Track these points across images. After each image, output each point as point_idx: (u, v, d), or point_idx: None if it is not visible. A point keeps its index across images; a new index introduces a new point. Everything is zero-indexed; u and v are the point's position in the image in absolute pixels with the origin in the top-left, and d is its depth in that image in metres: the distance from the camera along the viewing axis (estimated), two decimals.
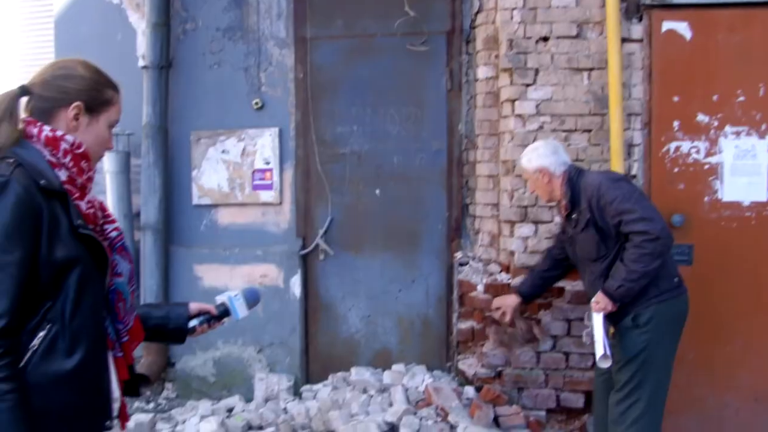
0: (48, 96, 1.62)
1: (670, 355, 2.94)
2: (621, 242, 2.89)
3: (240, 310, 2.00)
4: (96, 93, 1.66)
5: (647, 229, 2.73)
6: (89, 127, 1.66)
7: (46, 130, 1.60)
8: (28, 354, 1.49)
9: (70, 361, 1.51)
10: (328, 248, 4.38)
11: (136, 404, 4.39)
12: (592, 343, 2.99)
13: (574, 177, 3.04)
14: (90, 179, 1.67)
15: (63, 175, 1.58)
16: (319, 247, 4.39)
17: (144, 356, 4.41)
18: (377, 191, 4.36)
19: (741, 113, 3.64)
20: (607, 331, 2.95)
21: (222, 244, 4.47)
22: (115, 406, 1.68)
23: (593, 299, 2.95)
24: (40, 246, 1.49)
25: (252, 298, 2.05)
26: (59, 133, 1.60)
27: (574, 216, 3.04)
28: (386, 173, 4.34)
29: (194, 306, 1.97)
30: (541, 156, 3.09)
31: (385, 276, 4.37)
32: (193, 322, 1.94)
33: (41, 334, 1.50)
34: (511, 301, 3.48)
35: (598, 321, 2.94)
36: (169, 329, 1.92)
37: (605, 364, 2.94)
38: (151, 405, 4.46)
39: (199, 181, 4.48)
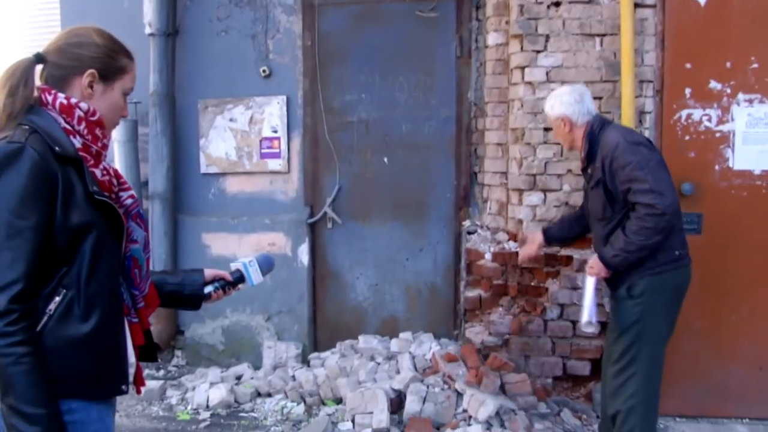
0: (63, 64, 1.63)
1: (664, 328, 2.88)
2: (627, 208, 2.82)
3: (254, 276, 2.02)
4: (110, 60, 1.67)
5: (654, 203, 2.63)
6: (104, 94, 1.66)
7: (61, 97, 1.60)
8: (45, 318, 1.51)
9: (85, 325, 1.54)
10: (336, 217, 4.40)
11: (147, 371, 4.46)
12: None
13: (596, 130, 2.94)
14: (105, 147, 1.68)
15: (78, 142, 1.59)
16: (326, 216, 4.42)
17: (154, 324, 4.45)
18: (385, 159, 4.36)
19: (754, 80, 3.60)
20: (596, 297, 2.95)
21: (230, 212, 4.50)
22: (131, 370, 1.70)
23: (588, 263, 2.95)
24: (56, 211, 1.50)
25: (266, 264, 2.06)
26: (74, 100, 1.61)
27: (589, 170, 2.99)
28: (394, 141, 4.34)
29: (209, 272, 1.98)
30: (564, 104, 2.98)
31: (393, 244, 4.39)
32: (208, 288, 1.95)
33: (57, 298, 1.52)
34: (538, 237, 3.46)
35: (589, 285, 2.94)
36: (185, 295, 1.93)
37: (589, 329, 2.96)
38: (161, 372, 4.53)
39: (207, 150, 4.50)
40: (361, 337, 4.30)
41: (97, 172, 1.61)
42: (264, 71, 4.40)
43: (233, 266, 2.03)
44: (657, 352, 2.87)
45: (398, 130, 4.33)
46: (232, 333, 4.54)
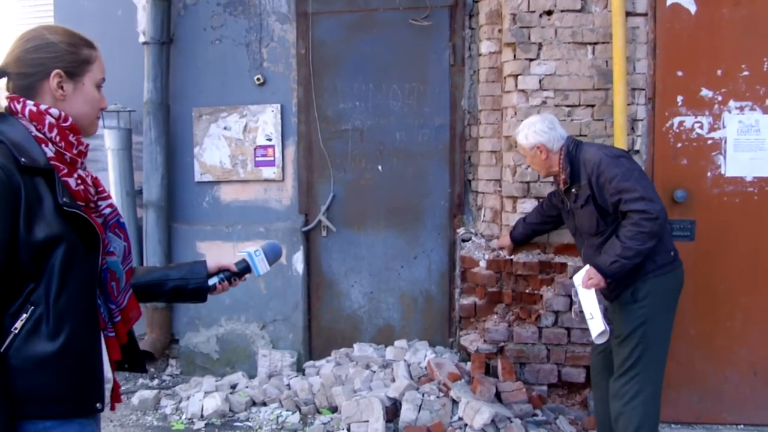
0: (25, 72, 1.57)
1: (667, 329, 2.98)
2: (619, 219, 2.92)
3: (261, 266, 1.98)
4: (72, 56, 1.60)
5: (647, 209, 2.75)
6: (76, 92, 1.61)
7: (30, 104, 1.55)
8: (10, 337, 1.45)
9: (53, 343, 1.47)
10: (330, 225, 4.43)
11: (140, 381, 4.49)
12: (582, 318, 3.08)
13: (572, 151, 3.06)
14: (81, 153, 1.61)
15: (50, 150, 1.53)
16: (321, 224, 4.44)
17: (147, 333, 4.50)
18: (379, 167, 4.40)
19: (745, 88, 3.66)
20: (602, 306, 3.02)
21: (224, 221, 4.53)
22: (107, 387, 1.63)
23: (583, 275, 2.97)
24: (19, 227, 1.44)
25: (273, 253, 2.02)
26: (43, 107, 1.55)
27: (573, 190, 3.06)
28: (388, 149, 4.38)
29: (213, 263, 1.94)
30: (538, 132, 3.08)
31: (388, 252, 4.42)
32: (212, 280, 1.91)
33: (24, 316, 1.46)
34: (507, 241, 3.79)
35: (591, 297, 2.98)
36: (189, 289, 1.88)
37: (603, 339, 3.01)
38: (156, 381, 4.55)
39: (201, 158, 4.54)
40: (356, 345, 4.33)
41: (71, 182, 1.54)
42: (258, 79, 4.44)
43: (239, 256, 2.00)
44: (660, 353, 2.96)
45: (392, 138, 4.37)
46: (226, 341, 4.56)
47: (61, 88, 1.58)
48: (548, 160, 3.12)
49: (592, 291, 2.98)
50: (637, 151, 3.73)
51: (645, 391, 2.93)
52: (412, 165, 4.37)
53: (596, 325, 2.97)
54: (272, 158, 4.46)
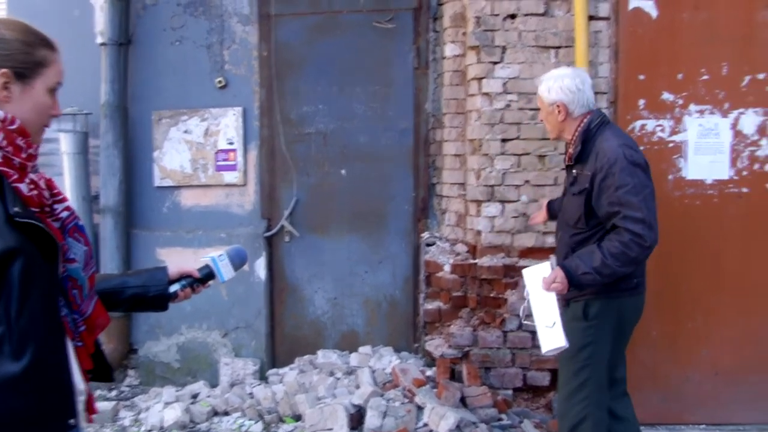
0: None
1: (609, 353, 2.76)
2: (604, 229, 2.66)
3: (225, 271, 1.92)
4: (25, 56, 1.47)
5: (644, 234, 2.50)
6: (24, 95, 1.47)
7: None
8: None
9: (18, 364, 1.36)
10: (293, 230, 4.38)
11: (98, 392, 4.36)
12: (531, 321, 2.71)
13: (593, 128, 2.70)
14: (32, 157, 1.48)
15: None
16: (284, 229, 4.39)
17: (105, 343, 4.37)
18: (343, 171, 4.36)
19: (705, 92, 3.71)
20: (563, 316, 2.67)
21: (185, 226, 4.45)
22: (81, 399, 1.55)
23: (547, 276, 2.62)
24: None
25: (238, 258, 1.96)
26: None
27: (574, 171, 2.76)
28: (352, 153, 4.34)
29: (175, 269, 1.87)
30: (564, 90, 2.71)
31: (352, 257, 4.38)
32: (174, 287, 1.84)
33: None
34: (543, 214, 3.32)
35: (551, 302, 2.62)
36: (150, 297, 1.81)
37: (554, 353, 2.68)
38: (114, 393, 4.43)
39: (161, 162, 4.44)
40: (320, 352, 4.28)
41: (23, 187, 1.42)
42: (219, 82, 4.37)
43: (202, 261, 1.92)
44: (604, 375, 2.77)
45: (356, 141, 4.34)
46: (187, 350, 4.46)
47: (7, 88, 1.45)
48: (564, 123, 2.77)
49: (553, 295, 2.62)
50: None
51: (594, 415, 2.74)
52: (376, 169, 4.34)
53: (555, 337, 2.58)
54: (234, 162, 4.39)
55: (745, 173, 3.73)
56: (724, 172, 3.72)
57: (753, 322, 3.74)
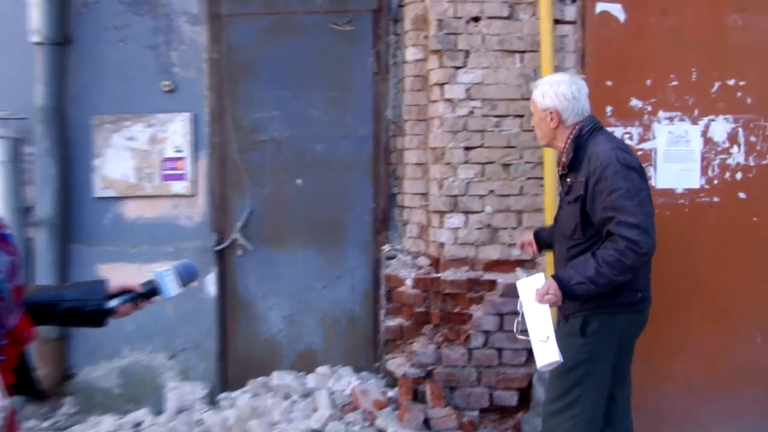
0: None
1: (608, 371, 2.69)
2: (601, 235, 2.57)
3: (171, 287, 1.85)
4: None
5: (639, 240, 2.41)
6: None
7: None
8: None
9: None
10: (246, 243, 4.21)
11: (31, 423, 4.07)
12: (524, 332, 2.59)
13: (585, 135, 2.64)
14: None
15: None
16: (236, 242, 4.22)
17: (39, 368, 4.08)
18: (299, 181, 4.22)
19: (674, 98, 3.68)
20: (556, 329, 2.60)
21: (128, 240, 4.22)
22: (0, 416, 1.47)
23: (540, 288, 2.54)
24: None
25: (186, 273, 1.90)
26: None
27: (568, 180, 2.69)
28: (308, 162, 4.21)
29: (115, 283, 1.82)
30: (559, 96, 2.65)
31: (308, 272, 4.24)
32: (113, 302, 1.78)
33: None
34: (529, 236, 3.20)
35: (545, 315, 2.52)
36: (86, 311, 1.75)
37: (549, 368, 2.57)
38: (48, 422, 4.12)
39: (102, 171, 4.21)
40: (275, 374, 4.12)
41: None
42: (166, 86, 4.16)
43: (147, 276, 1.88)
44: (601, 395, 2.69)
45: (313, 149, 4.20)
46: (130, 374, 4.21)
47: None
48: (556, 131, 2.70)
49: (547, 308, 2.52)
50: None
51: None
52: (334, 178, 4.21)
53: (548, 352, 2.48)
54: (182, 171, 4.20)
55: (716, 182, 3.70)
56: (695, 180, 3.69)
57: (727, 336, 3.71)
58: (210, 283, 4.19)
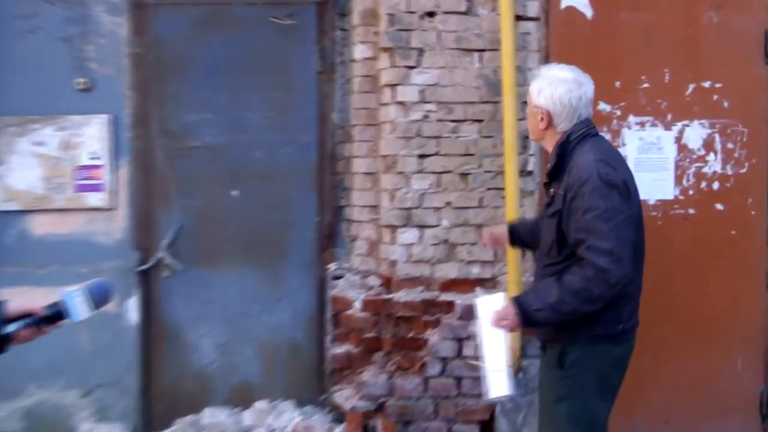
0: None
1: (599, 414, 2.62)
2: (576, 259, 2.54)
3: (80, 309, 1.80)
4: None
5: (610, 269, 2.35)
6: None
7: None
8: None
9: None
10: (174, 262, 4.11)
11: None
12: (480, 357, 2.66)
13: (573, 140, 2.58)
14: None
15: None
16: (162, 262, 4.12)
17: None
18: (235, 192, 4.15)
19: (646, 102, 3.71)
20: (509, 355, 2.62)
21: (36, 260, 4.06)
22: None
23: (499, 310, 2.55)
24: None
25: (99, 294, 1.84)
26: None
27: (551, 190, 2.66)
28: (246, 171, 4.15)
29: (14, 306, 1.77)
30: (555, 99, 2.58)
31: (245, 294, 4.17)
32: (11, 327, 1.74)
33: None
34: (501, 229, 3.15)
35: (498, 340, 2.55)
36: None
37: (502, 398, 2.61)
38: None
39: (5, 181, 4.06)
40: (206, 411, 4.04)
41: None
42: (81, 83, 4.03)
43: (56, 297, 1.83)
44: None
45: (250, 157, 4.14)
46: (36, 416, 4.04)
47: None
48: (545, 132, 2.66)
49: (503, 334, 2.55)
50: (531, 172, 3.75)
51: None
52: (274, 189, 4.15)
53: (499, 384, 2.52)
54: (100, 181, 4.08)
55: (691, 192, 3.74)
56: (668, 191, 3.72)
57: (706, 361, 3.73)
58: (131, 309, 4.06)
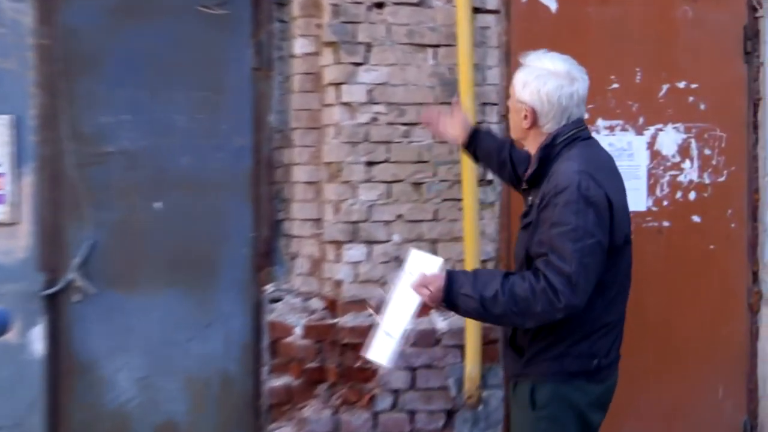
0: None
1: None
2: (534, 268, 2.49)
3: None
4: None
5: (561, 291, 2.29)
6: None
7: None
8: None
9: None
10: (86, 285, 3.98)
11: None
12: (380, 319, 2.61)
13: (559, 144, 2.48)
14: None
15: None
16: (73, 284, 3.99)
17: None
18: (158, 204, 4.06)
19: (615, 104, 3.76)
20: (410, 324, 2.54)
21: None
22: None
23: (425, 276, 2.44)
24: None
25: None
26: None
27: (529, 198, 2.58)
28: (170, 179, 4.06)
29: None
30: (542, 95, 2.46)
31: (170, 320, 4.07)
32: None
33: None
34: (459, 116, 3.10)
35: (409, 305, 2.48)
36: None
37: (380, 363, 2.58)
38: None
39: None
40: None
41: None
42: None
43: None
44: None
45: (175, 164, 4.05)
46: None
47: None
48: (528, 132, 2.56)
49: (417, 300, 2.47)
50: (491, 182, 3.79)
51: None
52: (203, 200, 4.07)
53: (384, 348, 2.51)
54: None
55: (665, 203, 3.78)
56: (640, 202, 3.76)
57: (684, 389, 3.77)
58: (36, 339, 3.93)
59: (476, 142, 3.05)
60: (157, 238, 4.05)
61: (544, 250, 2.33)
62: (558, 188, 2.34)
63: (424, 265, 2.51)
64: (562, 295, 2.28)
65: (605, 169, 2.55)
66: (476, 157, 3.12)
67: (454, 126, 3.10)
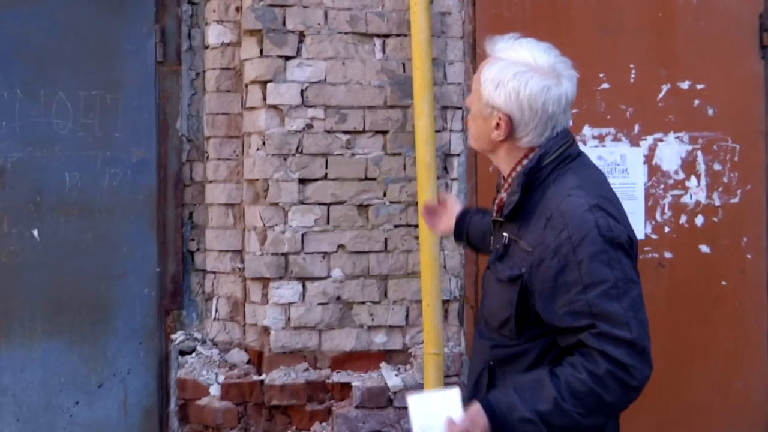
0: None
1: None
2: (553, 348, 2.33)
3: None
4: None
5: (631, 366, 2.15)
6: None
7: None
8: None
9: None
10: None
11: None
12: None
13: (546, 167, 2.32)
14: None
15: None
16: None
17: None
18: (35, 232, 4.05)
19: (605, 107, 3.79)
20: None
21: None
22: None
23: (455, 420, 2.24)
24: None
25: None
26: None
27: (505, 234, 2.40)
28: (51, 201, 4.06)
29: None
30: (522, 101, 2.26)
31: (51, 379, 4.05)
32: None
33: None
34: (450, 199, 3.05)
35: None
36: None
37: None
38: None
39: None
40: None
41: None
42: None
43: None
44: None
45: (58, 181, 4.05)
46: None
47: None
48: (500, 145, 2.39)
49: None
50: None
51: None
52: (93, 228, 4.07)
53: None
54: None
55: (667, 230, 3.81)
56: (637, 228, 3.63)
57: None
58: None
59: (467, 228, 2.96)
60: (33, 275, 4.03)
61: (585, 321, 2.19)
62: (575, 240, 2.20)
63: (438, 410, 2.30)
64: (633, 369, 2.13)
65: (609, 194, 2.40)
66: (470, 244, 3.01)
67: (448, 217, 3.00)
